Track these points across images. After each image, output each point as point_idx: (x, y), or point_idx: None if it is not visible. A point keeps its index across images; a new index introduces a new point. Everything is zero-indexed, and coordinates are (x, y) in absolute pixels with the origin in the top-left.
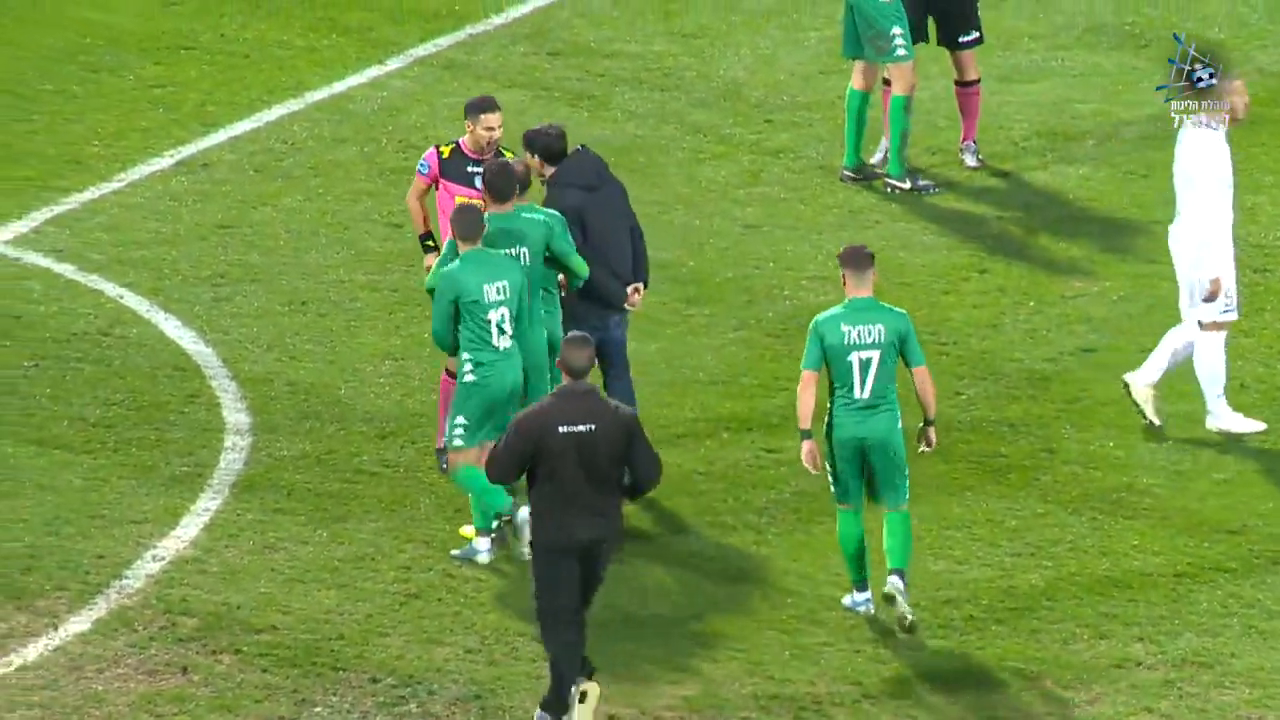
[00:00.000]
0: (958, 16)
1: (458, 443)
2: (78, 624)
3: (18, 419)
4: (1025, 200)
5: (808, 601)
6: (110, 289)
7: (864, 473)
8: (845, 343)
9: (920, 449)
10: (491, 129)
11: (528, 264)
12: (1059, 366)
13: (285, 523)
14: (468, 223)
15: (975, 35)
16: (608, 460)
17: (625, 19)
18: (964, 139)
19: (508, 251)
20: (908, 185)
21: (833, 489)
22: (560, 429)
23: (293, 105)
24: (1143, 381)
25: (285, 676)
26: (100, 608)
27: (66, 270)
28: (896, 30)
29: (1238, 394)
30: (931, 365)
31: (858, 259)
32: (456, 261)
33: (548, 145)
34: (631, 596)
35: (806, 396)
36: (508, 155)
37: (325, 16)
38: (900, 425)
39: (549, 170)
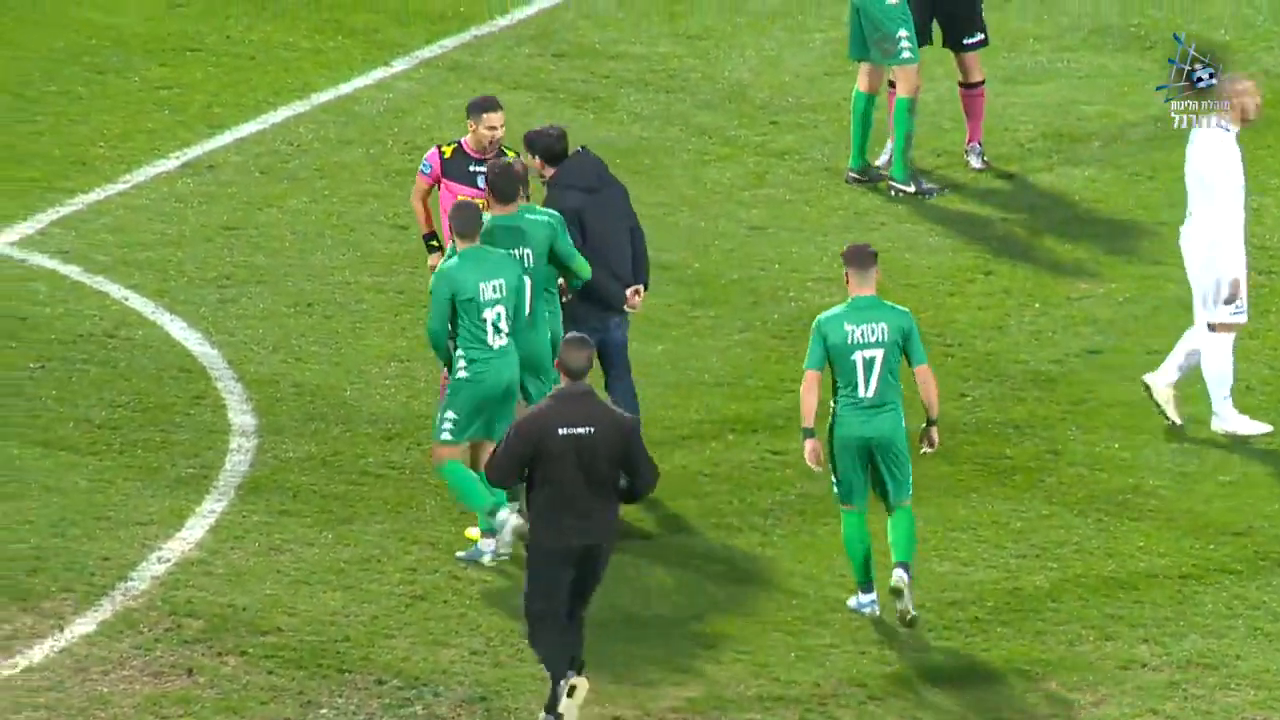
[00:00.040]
0: (963, 19)
1: (445, 436)
2: (83, 626)
3: (23, 420)
4: (1030, 202)
5: (813, 603)
6: (116, 290)
7: (868, 471)
8: (849, 342)
9: (922, 450)
10: (494, 128)
11: (531, 265)
12: (1064, 368)
13: (291, 524)
14: (465, 220)
15: (980, 37)
16: (606, 463)
17: (630, 20)
18: (969, 141)
19: (512, 252)
20: (912, 189)
21: (835, 490)
22: (560, 431)
23: (298, 107)
24: (1163, 382)
25: (291, 678)
26: (106, 609)
27: (72, 272)
28: (902, 33)
29: (1243, 396)
30: (937, 367)
31: (861, 257)
32: (454, 258)
33: (548, 146)
34: (636, 597)
35: (810, 396)
36: (509, 155)
37: (331, 18)
38: (904, 423)
39: (549, 171)
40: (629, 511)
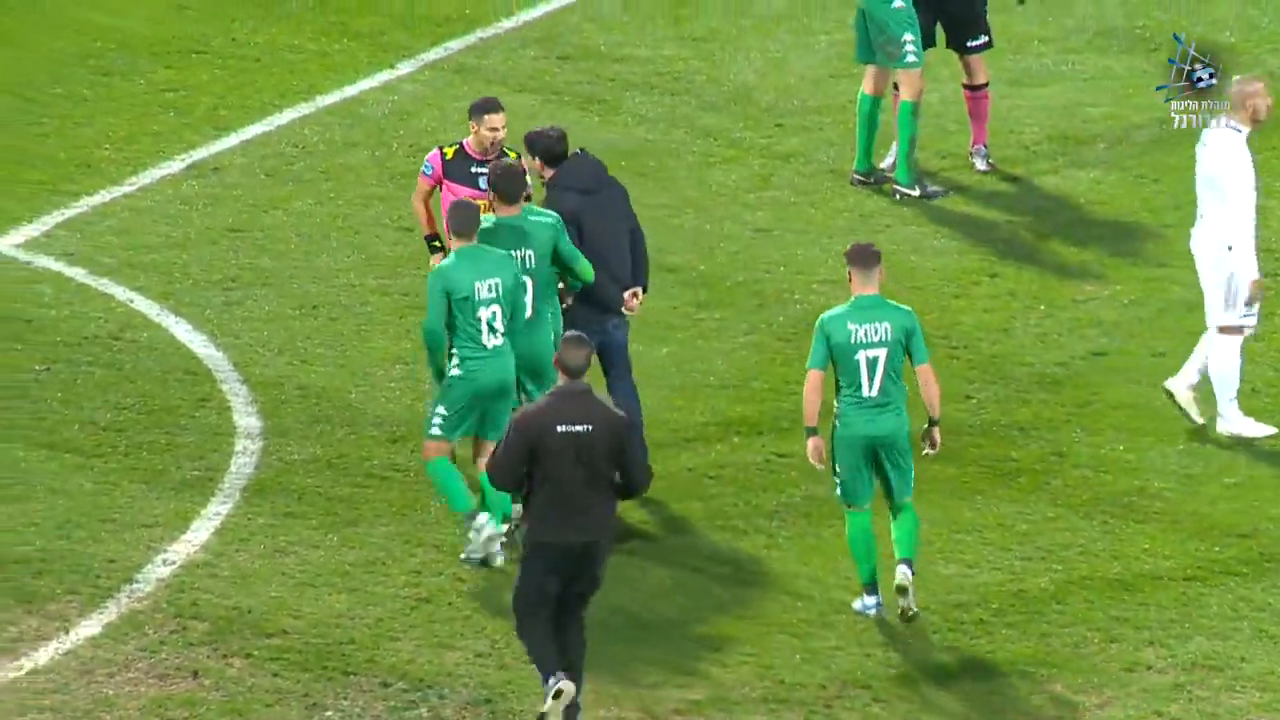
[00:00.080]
0: (967, 21)
1: (435, 431)
2: (88, 628)
3: (29, 423)
4: (1036, 204)
5: (818, 605)
6: (121, 293)
7: (872, 470)
8: (852, 341)
9: (924, 450)
10: (495, 129)
11: (534, 265)
12: (1070, 370)
13: (296, 527)
14: (463, 219)
15: (984, 39)
16: (604, 461)
17: (635, 23)
18: (974, 143)
19: (514, 253)
20: (916, 192)
21: (837, 491)
22: (559, 428)
23: (304, 109)
24: (1183, 386)
25: (296, 681)
26: (111, 612)
27: (77, 274)
28: (908, 37)
29: (1248, 398)
30: (942, 369)
31: (864, 256)
32: (451, 257)
33: (549, 148)
34: (641, 599)
35: (813, 395)
36: (511, 156)
37: (336, 21)
38: (907, 421)
39: (549, 172)
40: (633, 513)
